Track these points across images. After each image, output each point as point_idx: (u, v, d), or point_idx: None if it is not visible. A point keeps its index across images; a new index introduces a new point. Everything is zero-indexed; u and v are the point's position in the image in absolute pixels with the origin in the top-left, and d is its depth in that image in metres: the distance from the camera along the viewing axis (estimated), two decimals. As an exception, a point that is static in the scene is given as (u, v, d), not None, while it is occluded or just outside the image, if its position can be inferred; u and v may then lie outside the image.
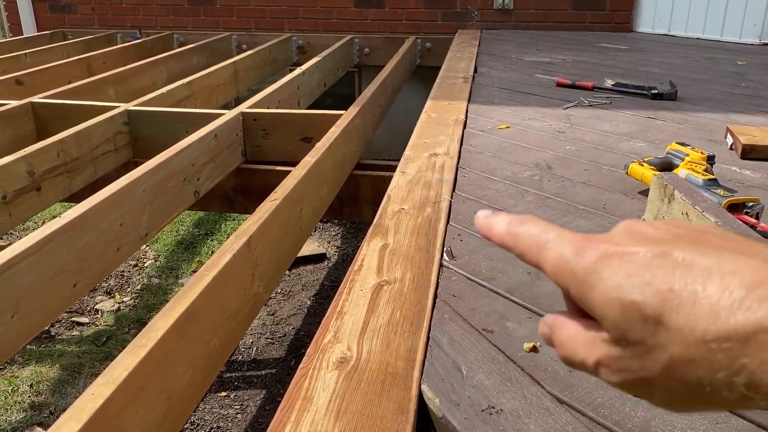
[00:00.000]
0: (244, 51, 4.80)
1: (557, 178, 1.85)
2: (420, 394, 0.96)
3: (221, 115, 2.72)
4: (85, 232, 1.73)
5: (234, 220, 4.57)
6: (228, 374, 3.01)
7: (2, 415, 2.72)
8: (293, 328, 3.40)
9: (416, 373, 0.99)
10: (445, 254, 1.38)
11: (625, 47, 4.43)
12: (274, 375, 2.98)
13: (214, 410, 2.75)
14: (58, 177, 2.38)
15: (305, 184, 2.01)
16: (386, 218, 1.55)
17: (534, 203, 1.66)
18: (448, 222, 1.55)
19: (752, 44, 4.61)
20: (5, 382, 2.93)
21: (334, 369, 1.00)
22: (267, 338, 3.30)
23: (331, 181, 2.38)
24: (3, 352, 1.48)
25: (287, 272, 3.97)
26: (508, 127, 2.37)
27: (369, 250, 1.39)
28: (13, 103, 2.89)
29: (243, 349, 3.20)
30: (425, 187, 1.75)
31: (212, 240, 4.32)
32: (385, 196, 1.71)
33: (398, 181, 1.80)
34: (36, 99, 2.94)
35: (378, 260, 1.35)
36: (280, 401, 0.88)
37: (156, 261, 4.05)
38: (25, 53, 4.36)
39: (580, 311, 0.35)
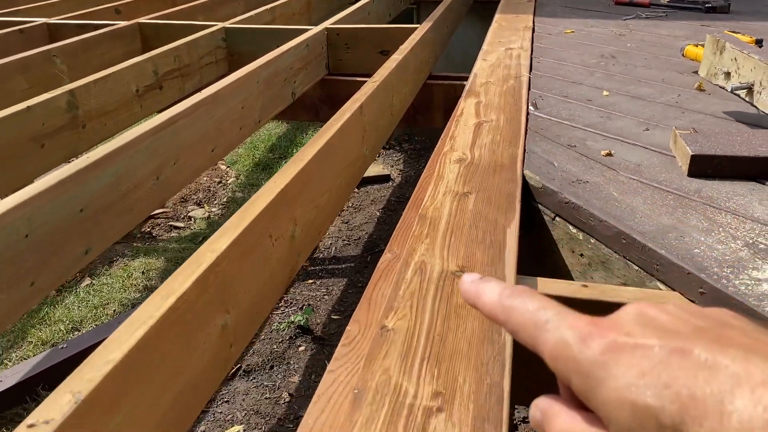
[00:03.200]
0: (311, -13, 5.07)
1: (621, 63, 2.11)
2: (523, 177, 1.27)
3: (308, 30, 3.03)
4: (219, 107, 2.07)
5: (302, 146, 4.91)
6: (312, 267, 3.38)
7: (123, 293, 3.16)
8: (366, 233, 3.75)
9: (519, 165, 1.30)
10: (530, 106, 1.68)
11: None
12: (353, 267, 3.34)
13: (304, 293, 3.13)
14: (174, 79, 2.74)
15: (396, 74, 2.31)
16: (476, 86, 1.85)
17: (603, 76, 1.93)
18: (529, 89, 1.84)
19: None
20: (121, 270, 3.36)
21: (455, 163, 1.32)
22: (343, 240, 3.66)
23: (411, 83, 2.68)
24: (167, 192, 1.84)
25: (356, 190, 4.31)
26: (573, 31, 2.62)
27: (466, 105, 1.69)
28: (122, 23, 3.25)
29: (323, 249, 3.57)
30: (505, 68, 2.04)
31: (285, 162, 4.68)
32: (471, 74, 2.00)
33: (481, 65, 2.08)
34: (142, 20, 3.30)
35: (475, 109, 1.65)
36: (360, 287, 1.07)
37: (237, 179, 4.43)
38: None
39: (577, 399, 0.31)
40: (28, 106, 1.91)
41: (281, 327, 2.88)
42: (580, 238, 1.14)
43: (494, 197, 1.16)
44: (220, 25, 3.14)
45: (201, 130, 1.95)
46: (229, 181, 4.40)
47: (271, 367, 2.66)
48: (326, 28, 3.06)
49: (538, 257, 1.23)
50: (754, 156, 1.20)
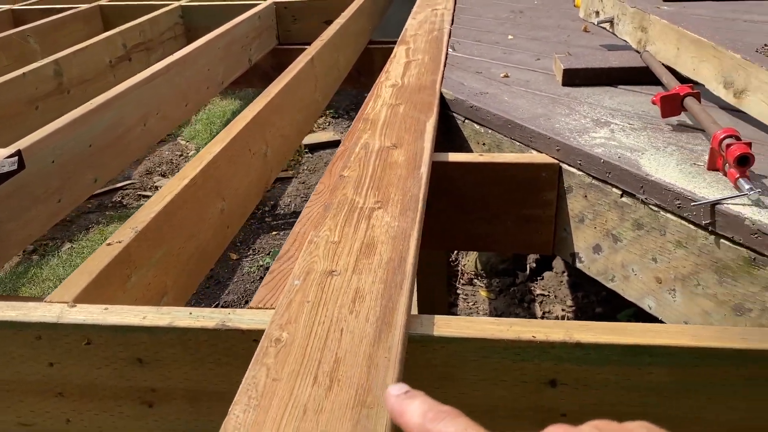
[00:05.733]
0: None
1: (527, 16, 2.54)
2: (440, 94, 1.66)
3: (258, 4, 3.36)
4: (188, 68, 2.40)
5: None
6: (275, 222, 3.73)
7: (103, 253, 3.46)
8: (321, 191, 4.12)
9: (438, 86, 1.69)
10: (449, 48, 2.07)
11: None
12: (312, 219, 3.72)
13: (269, 242, 3.48)
14: (141, 52, 3.04)
15: (339, 36, 2.68)
16: (407, 37, 2.24)
17: (510, 26, 2.35)
18: (449, 38, 2.23)
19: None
20: (97, 234, 3.65)
21: (390, 87, 1.70)
22: (302, 198, 4.02)
23: (353, 44, 3.05)
24: (153, 137, 2.18)
25: (310, 154, 4.67)
26: (490, -6, 3.03)
27: (398, 50, 2.08)
28: (84, 6, 3.52)
29: (284, 206, 3.92)
30: (431, 24, 2.43)
31: (242, 135, 4.99)
32: (403, 30, 2.38)
33: (411, 22, 2.47)
34: (103, 2, 3.57)
35: (405, 53, 2.04)
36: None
37: (197, 152, 4.74)
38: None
39: None
40: (23, 72, 2.21)
41: (252, 269, 3.24)
42: (482, 131, 1.54)
43: (418, 105, 1.55)
44: (177, 3, 3.44)
45: (176, 87, 2.29)
46: (189, 154, 4.70)
47: (246, 302, 3.02)
48: (274, 2, 3.41)
49: (454, 151, 1.62)
50: (607, 66, 1.63)
